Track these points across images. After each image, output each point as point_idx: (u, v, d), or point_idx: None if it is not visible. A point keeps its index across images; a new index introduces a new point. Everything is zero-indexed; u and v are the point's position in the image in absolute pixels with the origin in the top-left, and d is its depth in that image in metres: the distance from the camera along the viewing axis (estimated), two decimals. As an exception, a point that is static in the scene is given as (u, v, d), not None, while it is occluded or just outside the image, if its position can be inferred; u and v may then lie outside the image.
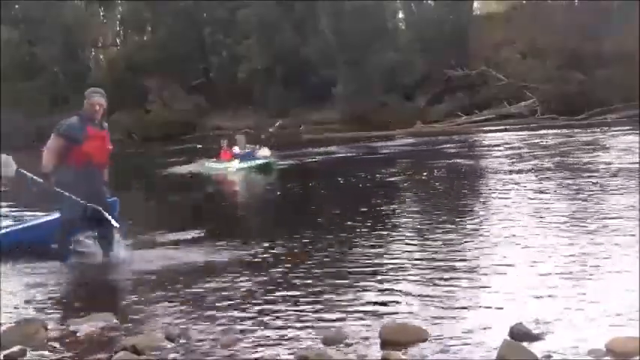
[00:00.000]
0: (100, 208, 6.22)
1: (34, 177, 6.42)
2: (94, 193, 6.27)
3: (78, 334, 4.11)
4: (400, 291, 4.75)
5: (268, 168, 15.74)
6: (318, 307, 4.49)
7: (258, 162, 15.89)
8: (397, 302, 4.50)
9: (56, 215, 6.70)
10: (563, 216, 7.30)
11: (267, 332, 4.01)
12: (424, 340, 3.70)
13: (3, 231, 7.11)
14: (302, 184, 13.22)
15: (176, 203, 11.77)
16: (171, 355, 3.71)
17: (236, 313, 4.44)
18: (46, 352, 3.84)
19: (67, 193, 6.15)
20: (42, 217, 7.43)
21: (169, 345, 3.85)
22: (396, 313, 4.26)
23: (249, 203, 12.16)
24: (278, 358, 3.61)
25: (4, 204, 10.18)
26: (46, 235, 6.60)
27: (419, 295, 4.60)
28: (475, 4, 39.79)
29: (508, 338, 3.54)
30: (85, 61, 42.81)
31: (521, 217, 7.49)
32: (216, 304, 4.68)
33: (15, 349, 3.81)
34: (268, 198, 12.29)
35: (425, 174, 12.90)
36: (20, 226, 7.33)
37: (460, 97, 33.38)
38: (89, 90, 6.47)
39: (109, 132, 6.54)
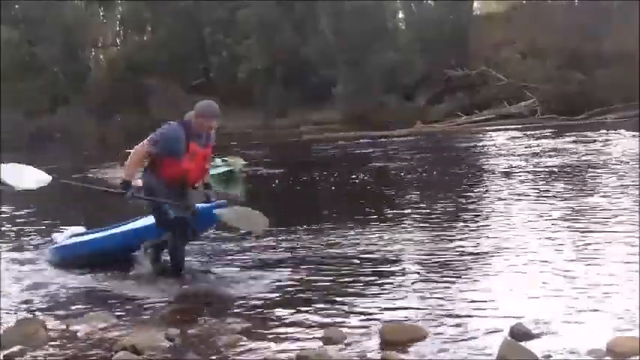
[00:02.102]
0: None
1: (108, 189, 5.78)
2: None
3: (78, 334, 4.11)
4: (400, 291, 4.75)
5: (232, 177, 13.84)
6: (318, 306, 4.48)
7: (219, 170, 13.48)
8: (397, 301, 4.50)
9: (129, 226, 6.16)
10: (562, 215, 7.30)
11: (268, 332, 4.01)
12: (424, 340, 3.70)
13: (69, 241, 6.49)
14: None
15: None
16: (171, 355, 3.71)
17: (236, 313, 4.44)
18: (46, 352, 3.84)
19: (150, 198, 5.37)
20: (111, 228, 6.49)
21: (169, 345, 3.85)
22: (396, 312, 4.26)
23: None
24: (279, 357, 3.61)
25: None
26: (116, 247, 6.02)
27: (419, 295, 4.60)
28: (475, 4, 39.80)
29: (508, 338, 3.54)
30: (85, 61, 42.79)
31: (520, 216, 7.48)
32: (216, 304, 4.69)
33: (15, 349, 3.81)
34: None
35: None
36: (88, 237, 6.49)
37: (460, 97, 33.38)
38: (205, 105, 5.38)
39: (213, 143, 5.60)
